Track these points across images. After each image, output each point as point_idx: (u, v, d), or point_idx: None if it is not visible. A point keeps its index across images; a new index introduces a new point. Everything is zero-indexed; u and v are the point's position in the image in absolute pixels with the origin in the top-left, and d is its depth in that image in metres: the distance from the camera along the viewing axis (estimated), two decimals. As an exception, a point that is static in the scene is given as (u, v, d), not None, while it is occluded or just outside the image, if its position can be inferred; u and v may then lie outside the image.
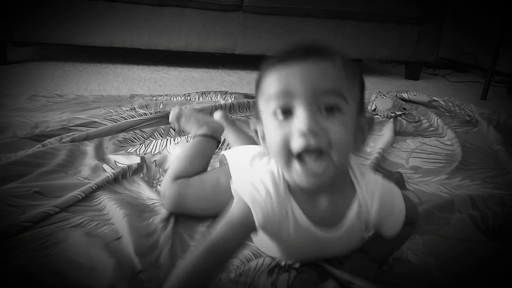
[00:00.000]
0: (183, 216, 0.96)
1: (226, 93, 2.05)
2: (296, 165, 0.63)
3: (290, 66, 0.63)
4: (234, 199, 0.72)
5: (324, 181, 0.64)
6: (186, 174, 0.99)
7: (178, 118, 1.22)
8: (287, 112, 0.63)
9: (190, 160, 1.03)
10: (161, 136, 1.44)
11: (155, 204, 1.00)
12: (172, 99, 1.92)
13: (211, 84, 2.34)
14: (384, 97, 1.93)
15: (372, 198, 0.71)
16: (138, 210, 0.94)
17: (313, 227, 0.70)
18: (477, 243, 0.96)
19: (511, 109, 2.24)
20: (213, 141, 1.11)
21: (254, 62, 2.94)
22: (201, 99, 1.97)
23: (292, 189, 0.70)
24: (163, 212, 0.96)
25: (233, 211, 0.69)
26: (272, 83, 0.63)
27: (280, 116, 0.63)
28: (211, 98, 1.99)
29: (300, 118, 0.61)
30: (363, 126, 0.68)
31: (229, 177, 0.91)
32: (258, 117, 0.70)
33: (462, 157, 1.46)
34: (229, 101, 1.92)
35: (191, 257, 0.65)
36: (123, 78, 2.30)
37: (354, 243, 0.77)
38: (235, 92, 2.08)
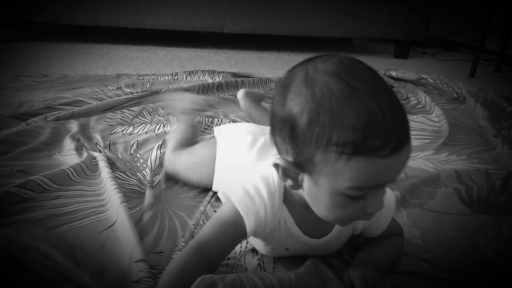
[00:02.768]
0: (170, 196, 0.96)
1: (214, 72, 2.03)
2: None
3: (388, 157, 0.53)
4: (226, 200, 0.70)
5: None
6: (183, 144, 1.04)
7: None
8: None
9: (183, 132, 1.09)
10: (150, 115, 1.42)
11: (141, 189, 0.99)
12: (159, 78, 1.90)
13: (199, 64, 2.32)
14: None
15: None
16: (129, 196, 0.93)
17: (303, 236, 0.71)
18: (462, 215, 0.97)
19: (498, 86, 2.25)
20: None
21: (242, 41, 2.92)
22: (188, 78, 1.95)
23: (286, 199, 0.69)
24: (149, 196, 0.93)
25: (225, 213, 0.68)
26: (364, 175, 0.54)
27: (353, 196, 0.57)
28: (198, 77, 1.98)
29: (379, 201, 0.59)
30: None
31: (214, 152, 0.94)
32: (298, 162, 0.58)
33: (448, 133, 1.47)
34: (217, 80, 1.90)
35: (180, 257, 0.65)
36: (109, 57, 2.27)
37: (341, 245, 0.77)
38: (223, 71, 2.06)
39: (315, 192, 0.59)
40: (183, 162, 1.00)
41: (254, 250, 0.78)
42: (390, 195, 0.74)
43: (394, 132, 0.53)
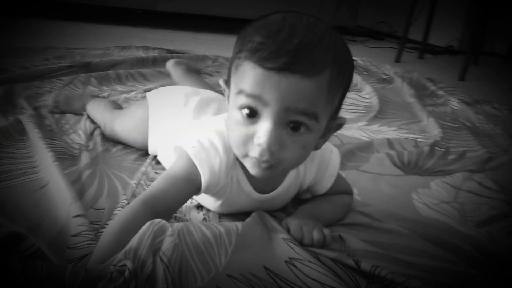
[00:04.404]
0: (109, 158, 0.92)
1: (148, 48, 1.98)
2: (248, 161, 0.63)
3: (270, 72, 0.56)
4: (178, 155, 0.69)
5: (268, 177, 0.67)
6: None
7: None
8: (253, 113, 0.59)
9: None
10: (83, 85, 1.36)
11: (71, 152, 0.94)
12: (88, 51, 1.81)
13: (132, 41, 2.24)
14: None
15: (312, 160, 0.73)
16: (60, 158, 0.88)
17: (254, 193, 0.72)
18: (395, 176, 1.02)
19: (421, 71, 2.38)
20: None
21: (177, 21, 2.86)
22: (122, 52, 1.88)
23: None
24: (85, 158, 0.90)
25: (178, 167, 0.67)
26: (247, 79, 0.58)
27: (246, 113, 0.59)
28: (132, 53, 1.91)
29: (264, 132, 0.58)
30: (332, 128, 0.67)
31: (146, 116, 0.92)
32: (228, 79, 0.65)
33: (379, 107, 1.54)
34: (151, 55, 1.85)
35: (126, 209, 0.63)
36: (36, 32, 2.13)
37: (288, 200, 0.78)
38: (158, 48, 2.01)
39: (228, 111, 0.64)
40: (117, 124, 0.97)
41: (199, 207, 0.78)
42: (335, 156, 0.76)
43: (290, 54, 0.56)
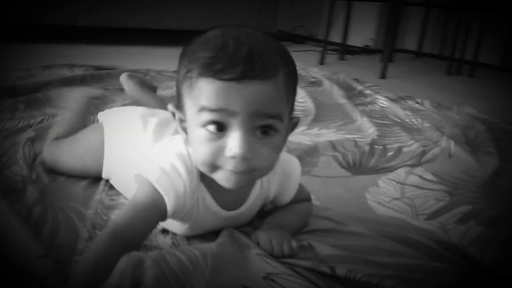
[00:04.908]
0: (58, 189, 0.87)
1: (73, 66, 1.90)
2: (220, 174, 0.62)
3: (230, 83, 0.57)
4: (140, 183, 0.67)
5: (244, 186, 0.66)
6: (64, 134, 0.94)
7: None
8: (219, 127, 0.59)
9: (71, 121, 0.97)
10: (10, 111, 1.27)
11: (12, 186, 0.87)
12: (9, 74, 1.69)
13: (53, 59, 2.13)
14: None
15: (274, 173, 0.73)
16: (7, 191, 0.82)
17: (221, 211, 0.71)
18: (344, 177, 1.06)
19: (345, 71, 2.50)
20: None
21: (98, 35, 2.76)
22: (45, 72, 1.78)
23: (202, 176, 0.68)
24: (33, 191, 0.84)
25: (141, 196, 0.65)
26: (207, 95, 0.58)
27: (213, 129, 0.59)
28: (56, 72, 1.82)
29: (236, 142, 0.58)
30: (288, 129, 0.67)
31: (100, 139, 0.88)
32: (179, 104, 0.65)
33: (315, 110, 1.59)
34: (78, 73, 1.77)
35: (96, 244, 0.60)
36: None
37: (254, 214, 0.78)
38: (84, 65, 1.93)
39: (190, 133, 0.63)
40: (65, 152, 0.92)
41: (164, 231, 0.76)
42: (296, 165, 0.78)
43: (244, 62, 0.57)
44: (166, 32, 2.81)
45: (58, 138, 0.94)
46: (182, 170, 0.66)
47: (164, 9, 2.62)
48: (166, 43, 2.86)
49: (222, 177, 0.62)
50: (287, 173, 0.76)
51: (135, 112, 0.92)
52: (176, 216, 0.68)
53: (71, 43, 2.55)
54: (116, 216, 0.65)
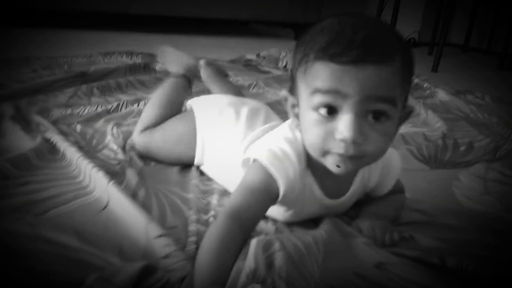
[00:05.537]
0: (154, 173, 0.90)
1: (132, 53, 1.92)
2: (329, 159, 0.62)
3: (347, 66, 0.57)
4: (250, 166, 0.69)
5: (352, 172, 0.68)
6: (155, 123, 0.95)
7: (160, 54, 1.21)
8: (331, 110, 0.60)
9: (161, 108, 0.98)
10: (86, 96, 1.30)
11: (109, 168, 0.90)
12: (72, 60, 1.73)
13: (108, 46, 2.16)
14: (293, 53, 1.99)
15: (376, 164, 0.73)
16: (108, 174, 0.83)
17: (326, 199, 0.72)
18: (424, 171, 1.06)
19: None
20: (186, 82, 1.08)
21: (146, 23, 2.79)
22: (106, 59, 1.82)
23: (309, 162, 0.69)
24: (133, 175, 0.86)
25: (253, 179, 0.66)
26: (322, 77, 0.59)
27: (324, 113, 0.60)
28: (116, 58, 1.85)
29: (346, 125, 0.58)
30: (402, 117, 0.67)
31: (192, 128, 0.89)
32: (293, 89, 0.66)
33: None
34: (137, 61, 1.80)
35: (218, 226, 0.61)
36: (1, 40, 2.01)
37: (352, 205, 0.79)
38: (141, 52, 1.96)
39: (301, 117, 0.64)
40: (158, 142, 0.93)
41: (264, 217, 0.77)
42: (396, 158, 0.78)
43: (361, 46, 0.57)
44: (213, 21, 2.83)
45: (148, 127, 0.95)
46: (291, 154, 0.67)
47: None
48: (214, 32, 2.89)
49: (331, 162, 0.63)
50: (387, 166, 0.77)
51: (224, 100, 0.94)
52: (284, 200, 0.69)
53: (123, 31, 2.59)
54: (231, 199, 0.66)
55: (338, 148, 0.60)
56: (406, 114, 0.68)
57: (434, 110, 1.56)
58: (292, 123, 0.70)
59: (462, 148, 1.23)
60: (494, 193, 0.95)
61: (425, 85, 1.89)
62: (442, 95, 1.77)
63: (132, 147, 0.96)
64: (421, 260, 0.66)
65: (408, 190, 0.93)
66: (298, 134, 0.69)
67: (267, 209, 0.68)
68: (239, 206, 0.64)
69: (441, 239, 0.74)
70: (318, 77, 0.59)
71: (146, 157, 0.94)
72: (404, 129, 1.35)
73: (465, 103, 1.66)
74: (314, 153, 0.64)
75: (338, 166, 0.63)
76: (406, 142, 1.23)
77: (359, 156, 0.61)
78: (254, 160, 0.69)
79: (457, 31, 3.42)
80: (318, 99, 0.60)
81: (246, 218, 0.63)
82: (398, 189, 0.82)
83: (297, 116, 0.67)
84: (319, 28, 0.63)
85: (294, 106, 0.67)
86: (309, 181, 0.70)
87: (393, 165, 0.78)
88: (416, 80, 1.97)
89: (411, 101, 1.62)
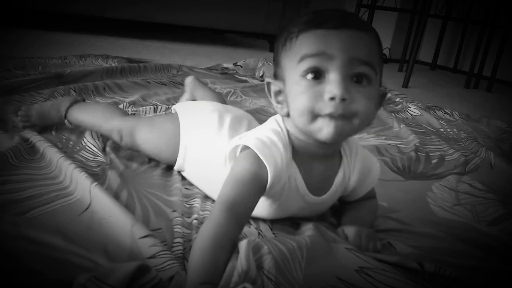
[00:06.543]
0: (135, 175, 0.89)
1: (107, 57, 1.91)
2: (319, 123, 0.64)
3: (330, 30, 0.63)
4: (237, 158, 0.70)
5: (340, 141, 0.70)
6: None
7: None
8: (318, 75, 0.63)
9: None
10: (62, 96, 1.28)
11: (97, 168, 0.90)
12: (47, 61, 1.71)
13: (83, 49, 2.14)
14: (270, 64, 2.02)
15: (355, 164, 0.76)
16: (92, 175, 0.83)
17: (308, 195, 0.73)
18: (398, 182, 1.09)
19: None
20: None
21: (121, 29, 2.77)
22: (81, 62, 1.80)
23: (294, 155, 0.70)
24: (114, 176, 0.86)
25: (242, 169, 0.67)
26: (308, 43, 0.64)
27: (311, 77, 0.63)
28: (91, 62, 1.83)
29: (334, 83, 0.62)
30: (378, 101, 0.70)
31: (176, 131, 0.89)
32: (277, 74, 0.70)
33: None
34: (113, 64, 1.79)
35: (213, 222, 0.61)
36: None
37: (331, 205, 0.80)
38: (117, 56, 1.95)
39: (288, 94, 0.67)
40: (144, 132, 0.92)
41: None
42: (375, 162, 0.81)
43: (341, 17, 0.65)
44: (190, 28, 2.83)
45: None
46: (278, 143, 0.69)
47: (189, 6, 2.64)
48: (190, 40, 2.89)
49: (321, 126, 0.64)
50: (367, 167, 0.79)
51: (208, 107, 0.94)
52: (271, 192, 0.70)
53: (98, 34, 2.56)
54: (223, 193, 0.65)
55: (327, 108, 0.62)
56: (381, 96, 0.71)
57: (407, 124, 1.60)
58: (278, 117, 0.72)
59: (434, 161, 1.27)
60: (466, 204, 0.99)
61: (397, 99, 1.95)
62: (413, 110, 1.82)
63: (119, 131, 0.94)
64: (400, 265, 0.68)
65: (384, 199, 0.96)
66: (283, 126, 0.71)
67: (258, 199, 0.69)
68: (233, 200, 0.64)
69: (416, 246, 0.76)
70: (305, 44, 0.64)
71: (129, 148, 0.94)
72: (378, 141, 1.39)
73: (435, 118, 1.71)
74: (304, 120, 0.65)
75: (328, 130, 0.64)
76: (381, 153, 1.26)
77: (348, 116, 0.63)
78: (242, 150, 0.70)
79: (425, 50, 3.55)
80: (306, 64, 0.63)
81: (240, 209, 0.64)
82: (372, 194, 0.85)
83: (279, 102, 0.69)
84: (300, 18, 0.68)
85: (277, 93, 0.70)
86: (294, 172, 0.71)
87: (372, 167, 0.80)
88: (388, 95, 2.02)
89: (384, 114, 1.67)
